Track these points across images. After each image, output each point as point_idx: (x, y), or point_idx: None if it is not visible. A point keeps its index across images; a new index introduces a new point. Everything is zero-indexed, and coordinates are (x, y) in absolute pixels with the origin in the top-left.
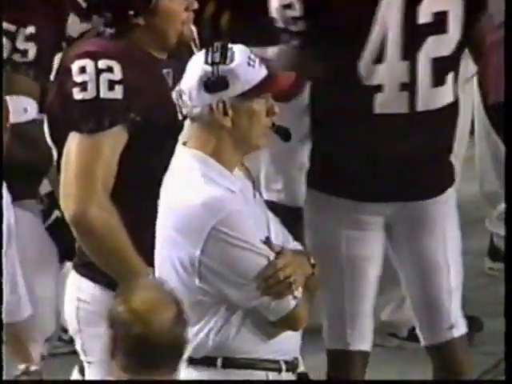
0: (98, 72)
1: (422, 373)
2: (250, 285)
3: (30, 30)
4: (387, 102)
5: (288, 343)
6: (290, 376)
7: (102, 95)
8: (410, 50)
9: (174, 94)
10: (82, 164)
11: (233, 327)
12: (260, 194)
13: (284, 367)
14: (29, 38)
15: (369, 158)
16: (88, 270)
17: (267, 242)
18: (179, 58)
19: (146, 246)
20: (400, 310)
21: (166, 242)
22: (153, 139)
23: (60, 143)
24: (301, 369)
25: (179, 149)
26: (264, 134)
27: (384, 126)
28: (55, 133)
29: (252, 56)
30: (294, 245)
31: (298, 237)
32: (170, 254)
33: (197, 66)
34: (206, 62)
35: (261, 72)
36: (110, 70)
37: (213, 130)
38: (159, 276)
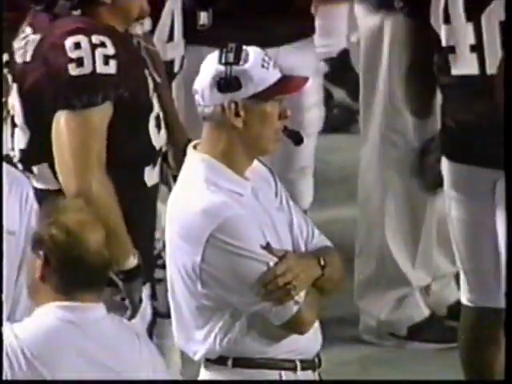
0: (93, 47)
1: (422, 372)
2: (249, 291)
3: None
4: (460, 64)
5: (306, 342)
6: (309, 374)
7: (98, 70)
8: (473, 12)
9: (147, 73)
10: (77, 141)
11: (238, 331)
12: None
13: (299, 366)
14: None
15: (470, 122)
16: None
17: (267, 247)
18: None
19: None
20: (399, 309)
21: (172, 247)
22: (133, 117)
23: (38, 125)
24: None
25: (190, 152)
26: (275, 138)
27: (460, 88)
28: (33, 114)
29: (266, 58)
30: (321, 239)
31: None
32: (176, 259)
33: (210, 65)
34: (220, 62)
35: (274, 74)
36: (103, 45)
37: (223, 131)
38: (170, 279)
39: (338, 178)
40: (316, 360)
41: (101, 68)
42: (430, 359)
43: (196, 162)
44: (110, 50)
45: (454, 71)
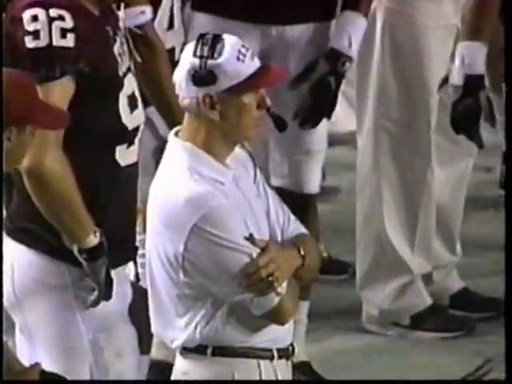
0: (50, 20)
1: (425, 361)
2: (232, 282)
3: None
4: None
5: (281, 332)
6: (283, 363)
7: (54, 43)
8: None
9: (115, 51)
10: None
11: (219, 321)
12: (265, 177)
13: (276, 355)
14: None
15: None
16: (24, 234)
17: (251, 238)
18: (106, 17)
19: (93, 203)
20: (402, 298)
21: (154, 234)
22: (97, 94)
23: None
24: (303, 358)
25: (171, 140)
26: (255, 126)
27: None
28: None
29: (243, 49)
30: (297, 226)
31: (303, 223)
32: (157, 246)
33: (186, 58)
34: (195, 55)
35: (251, 66)
36: (61, 18)
37: (202, 122)
38: (149, 265)
39: (342, 167)
40: (290, 348)
41: (57, 41)
42: (432, 348)
43: (178, 150)
44: (69, 23)
45: None
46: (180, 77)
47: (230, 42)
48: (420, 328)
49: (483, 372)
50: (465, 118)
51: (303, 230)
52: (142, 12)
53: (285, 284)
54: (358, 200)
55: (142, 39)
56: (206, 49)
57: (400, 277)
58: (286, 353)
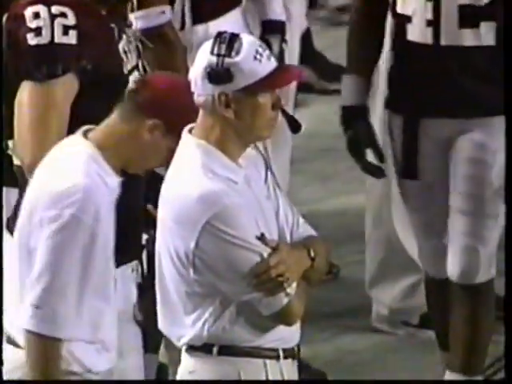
0: (52, 17)
1: (434, 360)
2: (241, 280)
3: None
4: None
5: (289, 332)
6: (289, 363)
7: (56, 40)
8: None
9: (120, 48)
10: (36, 113)
11: (227, 320)
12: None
13: (282, 355)
14: None
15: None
16: None
17: (262, 238)
18: (113, 15)
19: None
20: (411, 297)
21: (164, 230)
22: (101, 90)
23: (7, 98)
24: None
25: (185, 137)
26: (269, 126)
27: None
28: (3, 88)
29: (260, 49)
30: (306, 228)
31: None
32: (167, 242)
33: (203, 55)
34: (212, 53)
35: (268, 66)
36: (63, 15)
37: (216, 120)
38: (158, 262)
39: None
40: (296, 348)
41: (59, 38)
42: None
43: (192, 147)
44: (71, 20)
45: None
46: (196, 74)
47: (247, 41)
48: (429, 327)
49: (493, 371)
50: (354, 154)
51: (312, 232)
52: (163, 12)
53: (294, 285)
54: (367, 200)
55: (160, 38)
56: (223, 47)
57: (409, 276)
58: (291, 353)
